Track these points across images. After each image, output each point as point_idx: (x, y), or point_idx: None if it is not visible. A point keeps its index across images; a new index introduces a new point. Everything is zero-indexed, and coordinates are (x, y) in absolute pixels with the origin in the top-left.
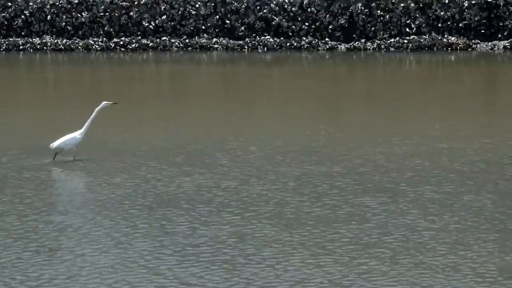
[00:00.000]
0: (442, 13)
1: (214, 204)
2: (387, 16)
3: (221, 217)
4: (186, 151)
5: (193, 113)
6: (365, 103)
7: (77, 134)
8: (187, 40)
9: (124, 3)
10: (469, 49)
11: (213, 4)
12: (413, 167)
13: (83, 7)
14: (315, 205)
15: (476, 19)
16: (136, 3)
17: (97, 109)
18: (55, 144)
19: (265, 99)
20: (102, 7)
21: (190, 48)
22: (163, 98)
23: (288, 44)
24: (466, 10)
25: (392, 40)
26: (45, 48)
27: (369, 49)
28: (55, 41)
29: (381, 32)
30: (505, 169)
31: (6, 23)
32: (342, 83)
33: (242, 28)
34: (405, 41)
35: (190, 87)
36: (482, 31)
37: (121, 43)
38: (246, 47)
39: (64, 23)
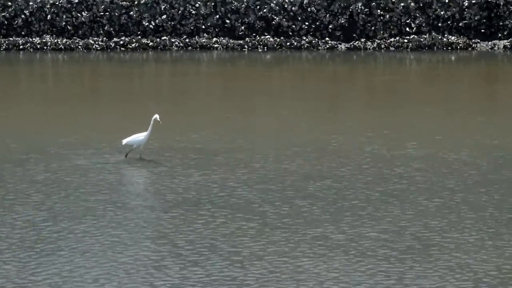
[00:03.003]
0: (442, 13)
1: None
2: (387, 16)
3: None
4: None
5: (193, 113)
6: (365, 102)
7: (142, 136)
8: (187, 40)
9: (124, 2)
10: (469, 49)
11: (213, 4)
12: (413, 165)
13: (83, 6)
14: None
15: (476, 18)
16: (136, 2)
17: (152, 119)
18: (125, 140)
19: (265, 98)
20: (102, 6)
21: (190, 47)
22: (163, 98)
23: (288, 43)
24: (466, 9)
25: (392, 39)
26: (45, 47)
27: (369, 49)
28: (55, 40)
29: (381, 32)
30: (505, 167)
31: (6, 22)
32: (342, 82)
33: (242, 27)
34: (405, 40)
35: (190, 86)
36: (482, 30)
37: (121, 42)
38: (246, 46)
39: (64, 23)
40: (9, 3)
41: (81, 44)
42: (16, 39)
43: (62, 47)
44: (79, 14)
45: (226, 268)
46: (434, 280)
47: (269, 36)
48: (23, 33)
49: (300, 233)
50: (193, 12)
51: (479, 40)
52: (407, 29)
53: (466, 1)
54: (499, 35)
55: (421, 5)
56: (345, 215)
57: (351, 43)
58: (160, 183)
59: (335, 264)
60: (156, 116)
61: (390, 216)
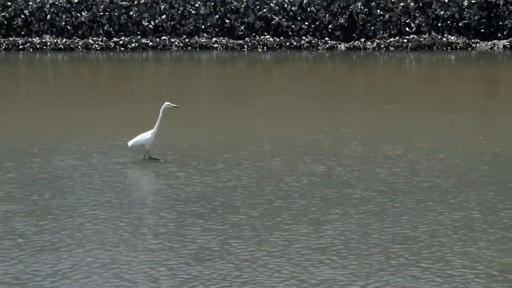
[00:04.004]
0: (441, 13)
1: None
2: (387, 16)
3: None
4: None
5: (192, 113)
6: (362, 102)
7: (148, 134)
8: (186, 40)
9: (124, 2)
10: (469, 49)
11: (212, 4)
12: (412, 164)
13: (83, 6)
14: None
15: (475, 18)
16: (136, 2)
17: (161, 109)
18: (130, 142)
19: (265, 98)
20: (102, 6)
21: (190, 47)
22: (163, 98)
23: (288, 43)
24: (465, 9)
25: (392, 39)
26: (44, 47)
27: (369, 49)
28: (55, 40)
29: (381, 32)
30: (505, 166)
31: (5, 22)
32: (342, 82)
33: (242, 27)
34: (405, 40)
35: (190, 86)
36: (482, 30)
37: (121, 42)
38: (245, 46)
39: (63, 23)
40: (9, 3)
41: (80, 44)
42: (16, 39)
43: (62, 47)
44: (78, 14)
45: (194, 267)
46: (412, 279)
47: (268, 36)
48: (22, 33)
49: (276, 233)
50: (193, 12)
51: (478, 40)
52: (407, 29)
53: (466, 1)
54: (499, 35)
55: (421, 5)
56: (324, 214)
57: (350, 43)
58: (144, 182)
59: (310, 263)
60: (167, 103)
61: (368, 216)
